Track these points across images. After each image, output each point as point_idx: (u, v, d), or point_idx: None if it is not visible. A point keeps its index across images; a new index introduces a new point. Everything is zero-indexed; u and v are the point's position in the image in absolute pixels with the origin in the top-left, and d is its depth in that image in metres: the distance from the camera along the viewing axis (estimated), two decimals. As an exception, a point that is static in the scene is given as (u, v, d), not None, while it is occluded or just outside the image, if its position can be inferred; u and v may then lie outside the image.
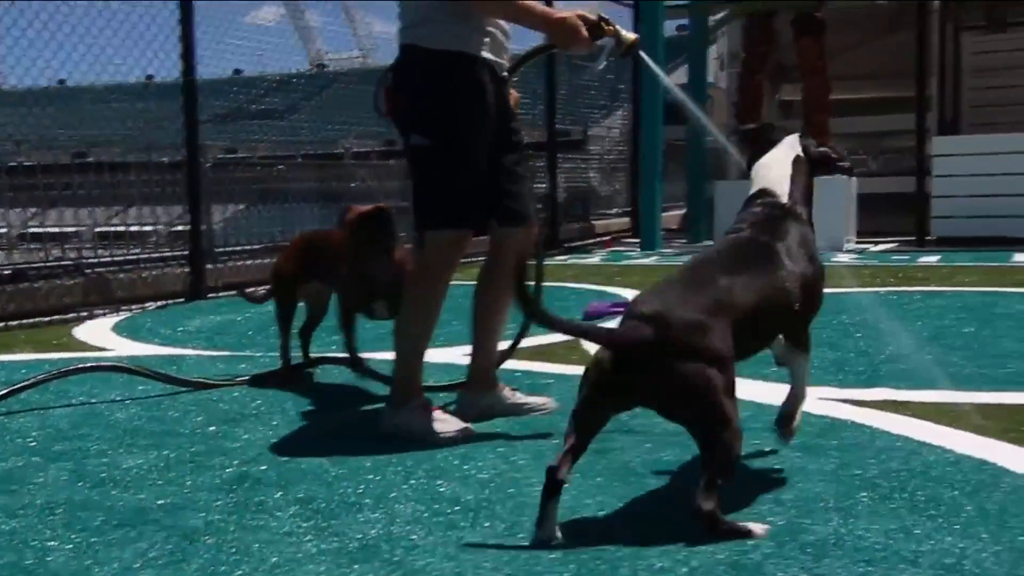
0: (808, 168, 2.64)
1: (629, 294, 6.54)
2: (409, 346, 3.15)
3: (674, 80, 15.48)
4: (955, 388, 3.56)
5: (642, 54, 3.28)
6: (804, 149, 2.64)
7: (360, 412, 3.55)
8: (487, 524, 2.29)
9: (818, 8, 10.44)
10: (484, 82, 3.05)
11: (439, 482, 2.61)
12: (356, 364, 3.84)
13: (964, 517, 2.22)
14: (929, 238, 10.22)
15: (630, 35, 3.15)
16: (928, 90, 10.52)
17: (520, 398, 3.35)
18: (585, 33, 3.01)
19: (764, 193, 2.57)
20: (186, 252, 7.27)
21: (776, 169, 2.61)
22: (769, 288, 2.36)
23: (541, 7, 3.09)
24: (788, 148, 2.65)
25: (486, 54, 3.06)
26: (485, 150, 3.09)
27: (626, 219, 13.63)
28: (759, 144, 2.70)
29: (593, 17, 3.06)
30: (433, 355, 3.44)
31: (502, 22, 3.13)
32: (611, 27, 3.08)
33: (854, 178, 10.57)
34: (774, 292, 2.37)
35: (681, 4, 12.11)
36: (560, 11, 3.08)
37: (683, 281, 2.32)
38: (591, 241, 12.36)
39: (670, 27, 13.53)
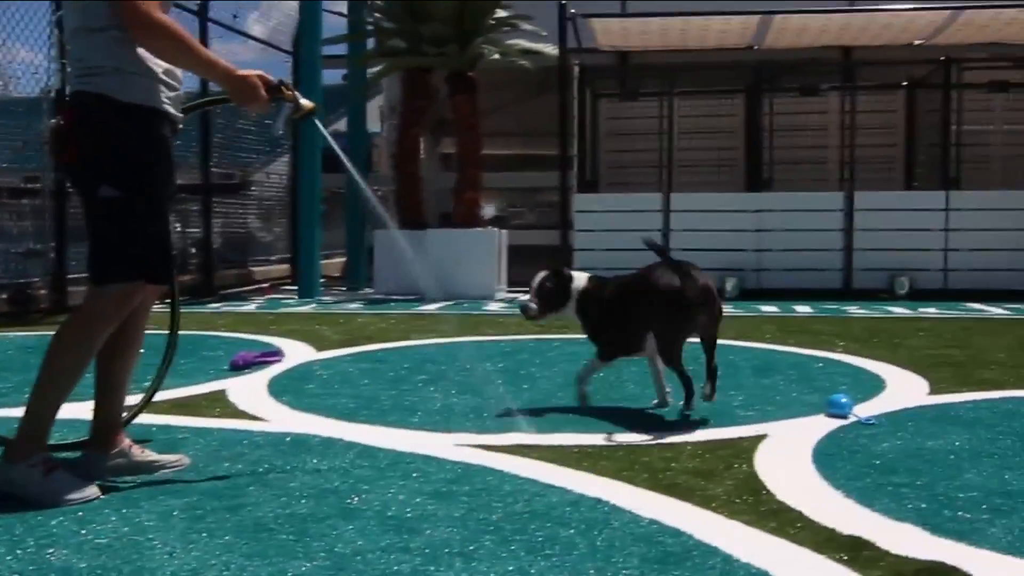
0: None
1: (282, 343, 6.46)
2: (49, 397, 2.94)
3: (335, 129, 15.62)
4: (581, 431, 3.80)
5: (317, 123, 3.37)
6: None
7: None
8: (99, 593, 2.14)
9: (470, 68, 10.93)
10: (168, 136, 3.07)
11: (50, 550, 2.42)
12: None
13: (576, 555, 2.36)
14: (573, 288, 10.89)
15: (308, 103, 3.23)
16: (570, 150, 11.30)
17: (150, 455, 3.19)
18: (263, 94, 3.07)
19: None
20: None
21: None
22: None
23: (224, 63, 3.06)
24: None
25: (170, 108, 3.07)
26: (167, 203, 3.11)
27: (286, 266, 13.48)
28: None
29: (274, 80, 3.13)
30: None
31: (178, 73, 3.10)
32: (290, 92, 3.16)
33: (504, 230, 11.14)
34: None
35: (339, 55, 12.25)
36: (242, 70, 3.08)
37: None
38: (248, 288, 12.09)
39: (335, 76, 13.67)
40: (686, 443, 3.59)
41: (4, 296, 8.44)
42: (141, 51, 2.96)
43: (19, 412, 2.98)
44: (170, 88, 3.05)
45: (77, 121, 2.97)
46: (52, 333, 3.00)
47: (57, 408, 2.98)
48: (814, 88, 11.44)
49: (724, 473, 3.15)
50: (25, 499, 2.80)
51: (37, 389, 2.94)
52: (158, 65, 3.00)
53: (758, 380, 5.01)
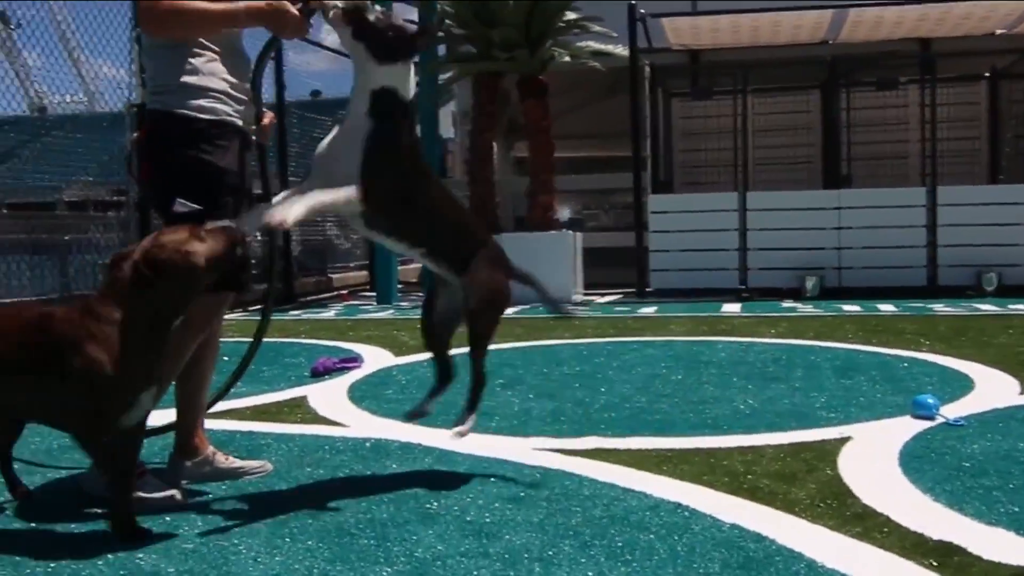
0: None
1: (361, 349, 6.53)
2: None
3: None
4: (660, 434, 3.77)
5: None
6: None
7: (59, 479, 3.32)
8: (187, 598, 2.19)
9: (541, 71, 10.93)
10: (238, 149, 3.11)
11: (139, 555, 2.48)
12: None
13: (656, 560, 2.34)
14: (649, 290, 10.85)
15: (338, 2, 2.99)
16: (643, 151, 11.23)
17: (234, 462, 3.24)
18: (295, 12, 2.96)
19: None
20: None
21: None
22: None
23: (243, 4, 3.03)
24: None
25: (237, 121, 3.11)
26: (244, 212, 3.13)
27: (364, 273, 13.64)
28: None
29: None
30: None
31: (246, 86, 3.14)
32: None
33: (579, 233, 11.11)
34: None
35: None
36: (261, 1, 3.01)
37: None
38: (327, 295, 12.25)
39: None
40: (767, 446, 3.53)
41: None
42: (209, 66, 3.02)
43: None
44: (238, 101, 3.11)
45: (149, 139, 3.06)
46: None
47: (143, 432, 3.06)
48: (892, 82, 11.21)
49: (807, 476, 3.10)
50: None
51: None
52: (224, 80, 3.06)
53: (840, 381, 4.91)
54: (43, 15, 16.25)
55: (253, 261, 3.29)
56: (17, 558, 2.46)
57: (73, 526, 2.71)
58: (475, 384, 3.20)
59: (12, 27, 15.53)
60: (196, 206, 2.98)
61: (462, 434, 3.13)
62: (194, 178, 3.00)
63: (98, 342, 2.48)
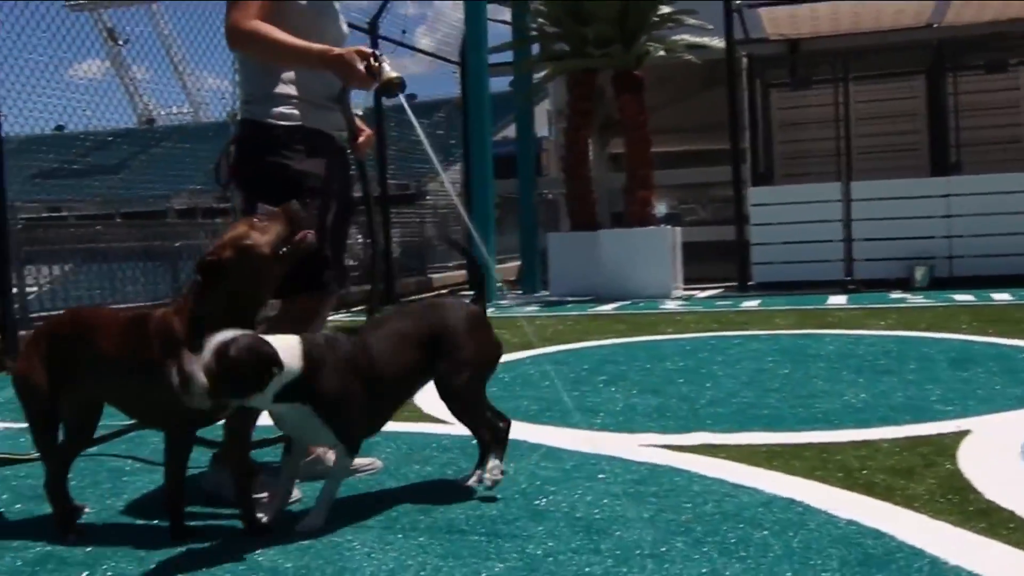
0: None
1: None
2: None
3: (504, 136, 15.80)
4: (769, 429, 3.70)
5: (402, 98, 3.14)
6: None
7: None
8: (305, 592, 2.23)
9: (636, 66, 10.85)
10: (322, 153, 3.15)
11: (259, 552, 2.53)
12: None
13: (771, 557, 2.30)
14: (751, 283, 10.69)
15: (392, 74, 3.04)
16: (742, 143, 11.06)
17: (345, 460, 3.29)
18: (361, 68, 2.98)
19: None
20: (-6, 318, 6.89)
21: None
22: None
23: (318, 47, 3.04)
24: None
25: (321, 126, 3.17)
26: (330, 217, 3.17)
27: (463, 272, 13.74)
28: None
29: (369, 51, 3.04)
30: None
31: (327, 90, 3.18)
32: (376, 64, 3.02)
33: (678, 228, 11.01)
34: None
35: (505, 62, 12.40)
36: (338, 48, 3.07)
37: None
38: (428, 295, 12.38)
39: (502, 83, 13.87)
40: (882, 440, 3.44)
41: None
42: (290, 75, 3.10)
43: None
44: (319, 106, 3.16)
45: (238, 147, 3.16)
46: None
47: (258, 416, 3.13)
48: (1002, 64, 10.82)
49: (925, 471, 3.01)
50: (233, 501, 2.94)
51: None
52: (305, 87, 3.12)
53: (956, 373, 4.76)
54: (150, 30, 16.80)
55: (354, 263, 3.33)
56: (142, 553, 2.55)
57: (193, 523, 2.79)
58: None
59: (121, 43, 16.11)
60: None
61: (491, 484, 2.91)
62: (273, 183, 3.05)
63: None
